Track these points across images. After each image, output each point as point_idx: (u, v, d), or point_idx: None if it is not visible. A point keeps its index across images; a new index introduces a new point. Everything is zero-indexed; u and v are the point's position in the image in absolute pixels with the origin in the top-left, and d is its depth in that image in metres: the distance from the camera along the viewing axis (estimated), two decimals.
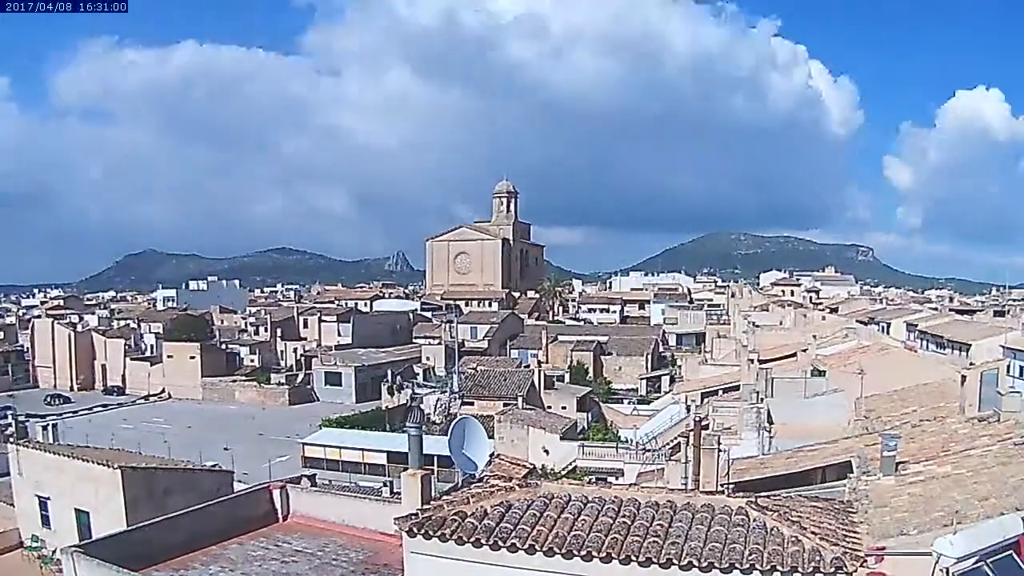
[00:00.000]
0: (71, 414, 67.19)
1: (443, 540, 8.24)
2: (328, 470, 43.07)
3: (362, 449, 47.17)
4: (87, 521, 21.28)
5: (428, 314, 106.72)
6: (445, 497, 9.50)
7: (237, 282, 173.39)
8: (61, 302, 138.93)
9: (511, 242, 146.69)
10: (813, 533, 7.91)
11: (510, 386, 54.42)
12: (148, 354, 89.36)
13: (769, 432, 28.18)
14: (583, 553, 7.79)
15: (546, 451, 39.78)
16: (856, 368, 30.75)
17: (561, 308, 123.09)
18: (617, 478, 31.43)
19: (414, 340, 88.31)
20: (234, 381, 78.90)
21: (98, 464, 21.69)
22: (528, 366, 63.96)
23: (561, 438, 40.83)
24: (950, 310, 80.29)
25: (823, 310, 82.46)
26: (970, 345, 47.62)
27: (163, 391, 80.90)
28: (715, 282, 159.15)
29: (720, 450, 20.91)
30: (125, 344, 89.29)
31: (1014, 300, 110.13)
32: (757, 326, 63.30)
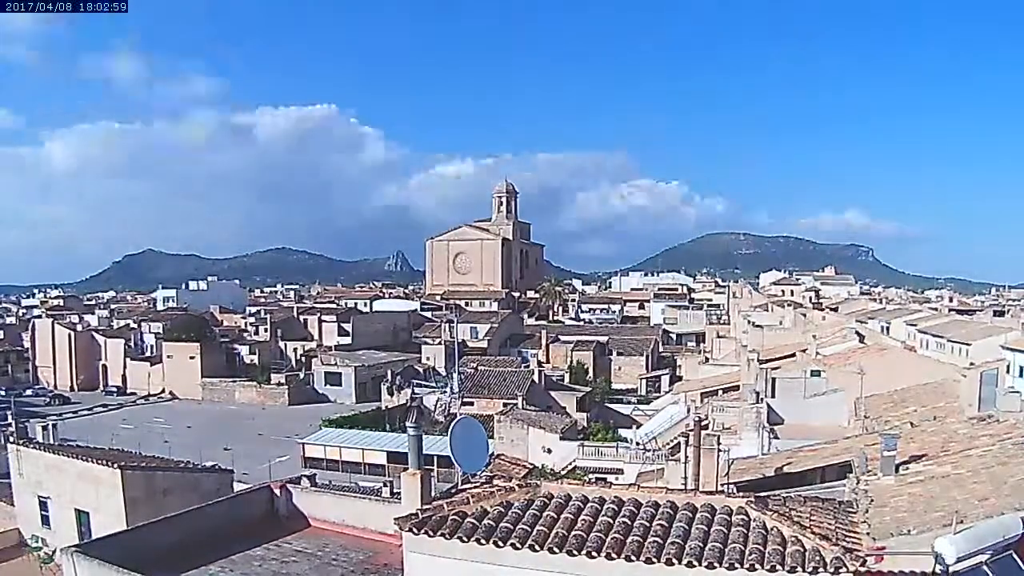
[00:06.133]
0: (71, 414, 67.22)
1: (445, 539, 8.24)
2: (328, 470, 43.08)
3: (362, 449, 47.25)
4: (87, 521, 21.21)
5: (428, 314, 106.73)
6: (448, 497, 9.50)
7: (237, 282, 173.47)
8: (61, 302, 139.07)
9: (511, 242, 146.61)
10: (813, 533, 7.92)
11: (510, 386, 54.43)
12: (148, 354, 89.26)
13: (770, 432, 28.20)
14: (585, 551, 7.80)
15: (548, 451, 39.75)
16: (856, 368, 30.83)
17: (561, 308, 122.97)
18: (617, 478, 31.39)
19: (414, 340, 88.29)
20: (234, 381, 78.78)
21: (98, 464, 21.61)
22: (528, 366, 63.98)
23: (561, 438, 40.81)
24: (950, 310, 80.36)
25: (823, 310, 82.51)
26: (970, 345, 47.68)
27: (163, 391, 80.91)
28: (715, 282, 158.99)
29: (720, 450, 20.98)
30: (125, 344, 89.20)
31: (1014, 300, 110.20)
32: (757, 326, 63.35)
